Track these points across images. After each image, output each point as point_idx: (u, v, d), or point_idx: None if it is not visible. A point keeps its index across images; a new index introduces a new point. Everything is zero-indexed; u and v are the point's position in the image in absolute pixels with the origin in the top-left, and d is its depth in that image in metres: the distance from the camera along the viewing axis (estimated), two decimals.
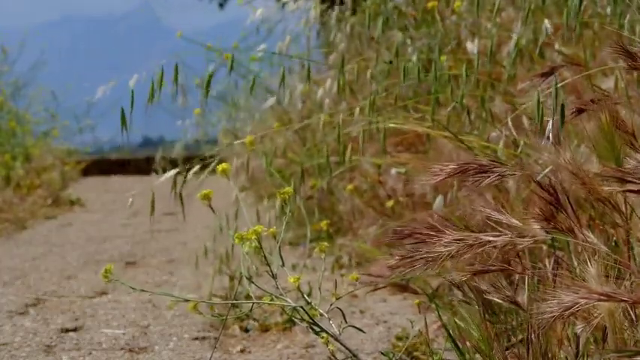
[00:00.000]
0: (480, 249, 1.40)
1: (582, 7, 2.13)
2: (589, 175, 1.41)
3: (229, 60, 2.16)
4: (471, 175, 1.48)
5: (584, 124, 1.53)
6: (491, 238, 1.40)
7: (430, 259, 1.41)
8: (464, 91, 2.18)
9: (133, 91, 1.88)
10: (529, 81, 1.99)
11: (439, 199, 2.32)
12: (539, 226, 1.40)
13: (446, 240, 1.40)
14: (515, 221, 1.41)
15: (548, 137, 1.67)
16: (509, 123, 2.29)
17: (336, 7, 4.08)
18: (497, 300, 1.56)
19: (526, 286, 1.56)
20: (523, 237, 1.40)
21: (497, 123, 2.38)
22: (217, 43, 4.03)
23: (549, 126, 1.67)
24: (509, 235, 1.40)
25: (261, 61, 4.65)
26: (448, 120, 2.39)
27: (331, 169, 2.73)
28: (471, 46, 2.79)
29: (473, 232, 1.41)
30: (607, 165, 1.39)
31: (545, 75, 1.94)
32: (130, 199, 2.21)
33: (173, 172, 2.24)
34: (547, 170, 1.51)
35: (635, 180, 1.32)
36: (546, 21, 2.50)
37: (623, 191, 1.34)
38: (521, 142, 2.27)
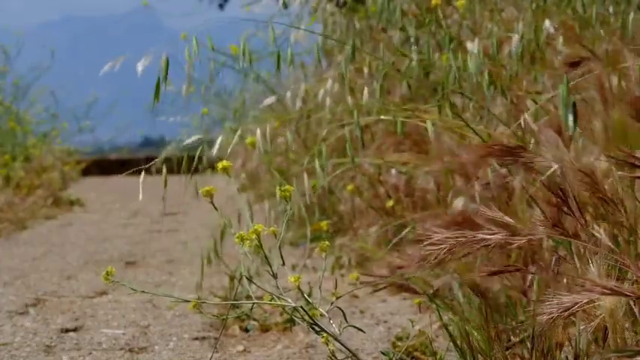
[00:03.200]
0: (474, 247, 1.39)
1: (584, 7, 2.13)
2: (598, 172, 1.40)
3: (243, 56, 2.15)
4: (502, 157, 1.48)
5: (594, 120, 1.52)
6: (485, 236, 1.39)
7: (424, 256, 1.40)
8: (469, 88, 2.17)
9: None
10: (561, 69, 1.98)
11: (458, 201, 2.28)
12: (546, 232, 1.39)
13: (437, 238, 1.40)
14: (508, 219, 1.40)
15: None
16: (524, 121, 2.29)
17: (336, 7, 4.08)
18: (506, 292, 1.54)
19: (535, 286, 1.55)
20: (517, 235, 1.39)
21: (500, 120, 2.38)
22: (218, 44, 4.02)
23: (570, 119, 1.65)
24: (504, 234, 1.39)
25: (261, 60, 4.64)
26: (452, 115, 2.39)
27: (327, 171, 2.73)
28: (472, 46, 2.78)
29: (467, 229, 1.41)
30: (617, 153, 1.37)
31: (574, 65, 1.93)
32: (142, 175, 2.20)
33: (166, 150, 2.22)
34: (555, 167, 1.50)
35: None
36: (547, 21, 2.50)
37: (633, 177, 1.33)
38: (528, 141, 2.26)
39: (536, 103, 2.32)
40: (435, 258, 1.41)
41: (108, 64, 2.54)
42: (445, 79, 2.15)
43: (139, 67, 2.46)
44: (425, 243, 1.41)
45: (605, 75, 1.97)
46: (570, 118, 1.58)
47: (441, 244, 1.40)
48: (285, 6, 4.37)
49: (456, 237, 1.40)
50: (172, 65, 2.18)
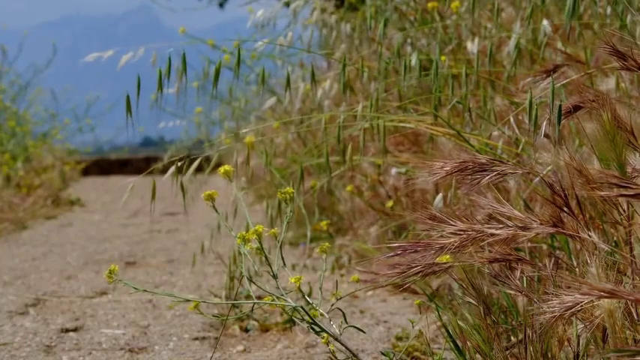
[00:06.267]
0: (483, 241, 1.39)
1: (582, 8, 2.13)
2: (591, 173, 1.40)
3: (236, 56, 2.15)
4: (471, 174, 1.48)
5: (585, 123, 1.53)
6: (494, 231, 1.39)
7: (433, 251, 1.40)
8: (467, 89, 2.18)
9: None
10: (532, 77, 1.99)
11: (439, 198, 2.32)
12: (546, 231, 1.40)
13: (448, 232, 1.39)
14: (517, 213, 1.40)
15: (545, 136, 1.67)
16: (512, 122, 2.29)
17: (335, 7, 4.08)
18: (505, 290, 1.54)
19: (535, 282, 1.55)
20: (527, 229, 1.39)
21: (498, 122, 2.38)
22: (219, 43, 4.03)
23: (544, 125, 1.67)
24: (513, 228, 1.39)
25: (262, 59, 4.65)
26: (449, 119, 2.40)
27: (331, 169, 2.73)
28: (471, 46, 2.79)
29: (476, 224, 1.40)
30: (608, 166, 1.38)
31: (549, 72, 1.94)
32: (131, 185, 2.21)
33: (172, 169, 2.23)
34: (547, 169, 1.51)
35: (631, 185, 1.32)
36: (545, 21, 2.50)
37: (620, 196, 1.34)
38: (522, 141, 2.27)
39: (516, 104, 2.33)
40: (447, 251, 1.41)
41: (92, 54, 2.54)
42: (438, 84, 2.16)
43: (122, 60, 2.47)
44: (435, 236, 1.41)
45: (585, 80, 1.98)
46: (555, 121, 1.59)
47: (451, 238, 1.40)
48: (287, 4, 4.38)
49: (466, 231, 1.40)
50: (173, 64, 2.18)
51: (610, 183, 1.33)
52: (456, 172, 1.48)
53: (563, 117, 1.59)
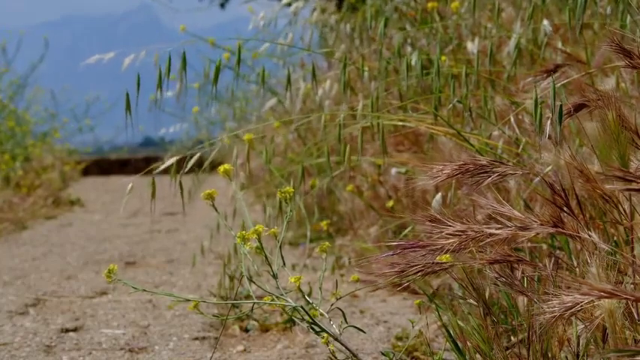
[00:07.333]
0: (483, 242, 1.39)
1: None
2: (592, 172, 1.40)
3: (236, 56, 2.15)
4: (471, 176, 1.48)
5: (586, 123, 1.52)
6: (494, 231, 1.39)
7: (432, 251, 1.40)
8: (467, 89, 2.18)
9: None
10: (532, 77, 1.98)
11: (437, 198, 2.31)
12: (546, 231, 1.39)
13: (447, 232, 1.39)
14: (517, 213, 1.40)
15: (547, 136, 1.67)
16: (512, 121, 2.29)
17: (335, 6, 4.08)
18: (505, 290, 1.54)
19: (535, 283, 1.55)
20: (527, 229, 1.39)
21: (498, 122, 2.38)
22: (219, 43, 4.03)
23: (548, 125, 1.66)
24: (512, 228, 1.39)
25: (262, 59, 4.65)
26: (449, 119, 2.40)
27: (331, 168, 2.73)
28: (472, 46, 2.79)
29: (475, 224, 1.40)
30: (609, 164, 1.38)
31: (549, 72, 1.94)
32: (130, 185, 2.21)
33: (172, 160, 2.22)
34: (548, 169, 1.51)
35: (637, 179, 1.31)
36: (545, 21, 2.50)
37: (626, 190, 1.33)
38: (523, 141, 2.27)
39: (516, 104, 2.33)
40: (446, 252, 1.41)
41: (94, 56, 2.54)
42: (438, 84, 2.16)
43: (124, 63, 2.47)
44: (435, 237, 1.41)
45: (586, 79, 1.98)
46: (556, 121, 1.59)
47: (451, 239, 1.40)
48: (289, 5, 4.38)
49: (465, 231, 1.39)
50: (173, 64, 2.18)
51: (615, 176, 1.32)
52: (456, 174, 1.48)
53: (566, 116, 1.59)
